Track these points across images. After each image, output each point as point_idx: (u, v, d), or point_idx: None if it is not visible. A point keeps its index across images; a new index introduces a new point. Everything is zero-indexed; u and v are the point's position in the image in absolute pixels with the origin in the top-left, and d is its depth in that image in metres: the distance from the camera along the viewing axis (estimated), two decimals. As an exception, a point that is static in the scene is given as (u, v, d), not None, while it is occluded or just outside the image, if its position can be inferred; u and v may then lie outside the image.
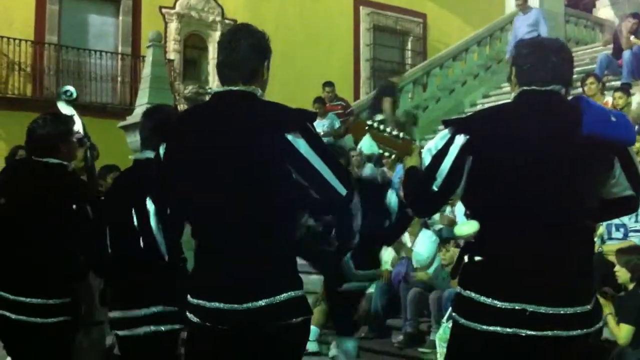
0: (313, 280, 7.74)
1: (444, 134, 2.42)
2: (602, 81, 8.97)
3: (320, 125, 10.42)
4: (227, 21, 15.19)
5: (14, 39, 13.68)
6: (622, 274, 4.97)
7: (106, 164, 5.89)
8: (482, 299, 2.29)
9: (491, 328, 2.27)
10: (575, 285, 2.32)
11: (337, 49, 17.03)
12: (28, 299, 3.24)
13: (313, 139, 2.34)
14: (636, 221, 5.62)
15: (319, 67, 15.30)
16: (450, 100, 13.05)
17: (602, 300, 5.02)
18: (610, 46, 11.06)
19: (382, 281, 6.85)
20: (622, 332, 4.74)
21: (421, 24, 18.95)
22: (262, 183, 2.31)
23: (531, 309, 2.25)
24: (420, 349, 6.12)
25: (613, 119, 2.37)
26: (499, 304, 2.27)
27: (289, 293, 2.30)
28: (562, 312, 2.27)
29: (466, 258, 2.40)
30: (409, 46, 19.07)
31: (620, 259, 5.02)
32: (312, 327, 6.78)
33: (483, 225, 2.35)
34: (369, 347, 6.61)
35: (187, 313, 2.38)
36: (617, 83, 9.74)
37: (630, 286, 4.92)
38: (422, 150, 2.62)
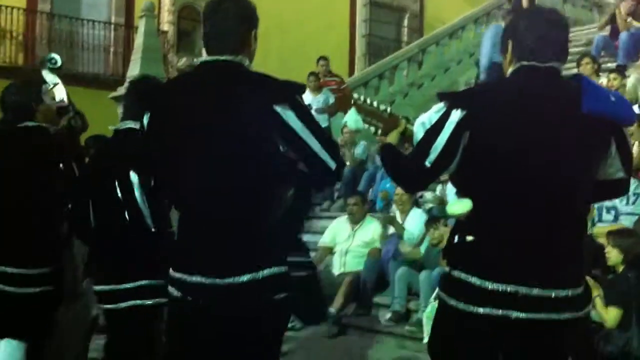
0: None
1: (439, 107, 2.33)
2: (597, 62, 8.89)
3: (315, 101, 10.34)
4: (222, -7, 15.00)
5: (6, 7, 13.54)
6: (613, 255, 4.94)
7: (94, 134, 5.81)
8: (473, 279, 2.24)
9: (481, 310, 2.22)
10: (568, 268, 2.28)
11: (334, 24, 16.91)
12: (10, 269, 3.20)
13: (302, 111, 2.29)
14: (627, 203, 5.59)
15: (315, 42, 15.19)
16: (446, 78, 12.95)
17: (590, 283, 5.00)
18: (608, 27, 10.97)
19: (371, 258, 6.83)
20: (609, 315, 4.72)
21: (418, 1, 18.81)
22: (248, 155, 2.26)
23: (523, 291, 2.20)
24: (408, 327, 6.10)
25: (613, 98, 2.31)
26: (489, 285, 2.21)
27: (272, 269, 2.26)
28: (553, 294, 2.22)
29: (457, 237, 2.34)
30: (406, 23, 18.94)
31: (612, 241, 4.99)
32: (300, 303, 6.83)
33: (476, 204, 2.28)
34: (356, 325, 6.61)
35: (169, 287, 2.33)
36: (614, 65, 9.67)
37: (620, 268, 4.90)
38: (408, 127, 2.56)
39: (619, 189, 2.51)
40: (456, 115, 2.26)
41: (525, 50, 2.33)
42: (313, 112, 10.18)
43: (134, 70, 8.71)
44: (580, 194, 2.32)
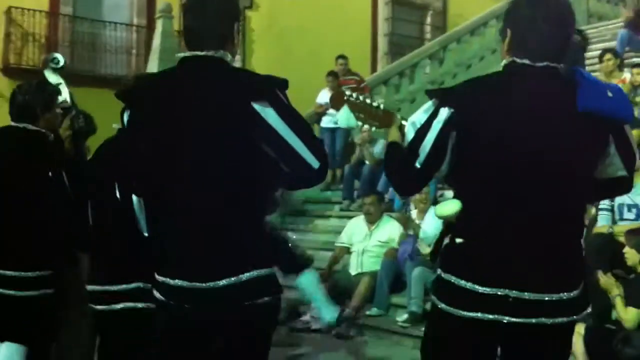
0: (322, 257, 7.71)
1: (427, 106, 2.25)
2: (620, 57, 8.72)
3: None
4: (242, -7, 15.03)
5: (29, 10, 13.64)
6: (631, 255, 4.83)
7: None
8: (463, 283, 2.15)
9: (472, 314, 2.14)
10: (562, 271, 2.19)
11: (355, 23, 16.80)
12: (8, 272, 3.19)
13: (283, 108, 2.20)
14: (649, 200, 5.44)
15: (336, 41, 15.07)
16: (467, 76, 12.72)
17: (610, 282, 4.91)
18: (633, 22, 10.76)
19: (388, 258, 6.75)
20: (629, 316, 4.61)
21: (441, -2, 18.66)
22: (228, 154, 2.18)
23: (514, 295, 2.12)
24: (424, 329, 6.02)
25: (610, 94, 2.18)
26: (480, 289, 2.13)
27: (253, 273, 2.19)
28: (546, 298, 2.13)
29: (447, 239, 2.25)
30: (429, 20, 18.78)
31: (630, 241, 4.87)
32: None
33: (466, 205, 2.20)
34: (373, 325, 6.55)
35: (154, 291, 2.29)
36: (639, 60, 9.48)
37: (639, 268, 4.78)
38: (403, 123, 2.48)
39: (621, 187, 2.39)
40: (443, 114, 2.18)
41: (521, 46, 2.22)
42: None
43: (151, 71, 8.74)
44: (576, 194, 2.22)
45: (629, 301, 4.65)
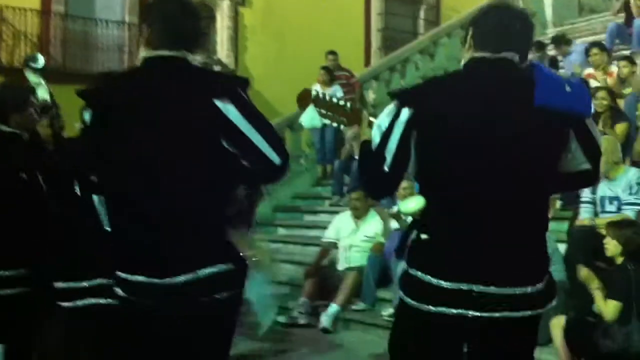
0: (311, 253, 7.73)
1: (390, 108, 2.27)
2: (607, 51, 8.71)
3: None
4: (234, -10, 15.03)
5: (20, 9, 13.63)
6: (611, 246, 4.82)
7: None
8: (428, 278, 2.18)
9: (437, 309, 2.17)
10: (526, 264, 2.21)
11: (349, 18, 16.78)
12: None
13: (244, 105, 2.24)
14: (630, 194, 5.45)
15: (330, 37, 15.06)
16: (459, 70, 12.79)
17: (590, 275, 4.92)
18: (623, 14, 10.77)
19: (374, 253, 6.76)
20: (608, 308, 4.61)
21: (434, -8, 18.63)
22: (189, 150, 2.22)
23: (479, 290, 2.14)
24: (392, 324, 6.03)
25: (568, 88, 2.20)
26: (444, 284, 2.16)
27: (213, 268, 2.22)
28: (510, 292, 2.16)
29: (413, 235, 2.28)
30: (422, 15, 18.75)
31: (612, 232, 4.88)
32: (302, 299, 6.80)
33: (429, 201, 2.23)
34: (359, 320, 6.57)
35: (114, 287, 2.31)
36: (628, 52, 9.48)
37: (620, 260, 4.79)
38: (371, 120, 2.49)
39: (585, 180, 2.42)
40: (404, 114, 2.21)
41: (479, 39, 2.26)
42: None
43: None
44: (538, 188, 2.24)
45: (608, 294, 4.66)
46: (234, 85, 2.28)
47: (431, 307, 2.17)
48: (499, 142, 2.16)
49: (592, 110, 2.30)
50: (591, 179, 2.40)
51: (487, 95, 2.19)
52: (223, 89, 2.24)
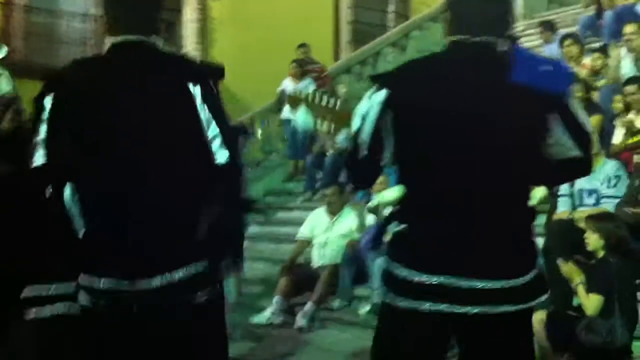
0: (284, 250, 7.59)
1: (369, 92, 2.19)
2: (581, 42, 8.69)
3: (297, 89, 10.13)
4: (202, -18, 14.78)
5: (-20, 1, 13.27)
6: (593, 240, 4.77)
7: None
8: (399, 271, 2.09)
9: (407, 304, 2.08)
10: (505, 257, 2.09)
11: (318, 11, 16.62)
12: None
13: (209, 94, 2.15)
14: (608, 186, 5.40)
15: (299, 30, 14.91)
16: (430, 63, 12.74)
17: (572, 269, 4.86)
18: (593, 6, 10.78)
19: (350, 249, 6.64)
20: (591, 302, 4.56)
21: (404, -15, 18.56)
22: (162, 141, 2.11)
23: (451, 283, 2.03)
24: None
25: (546, 67, 2.13)
26: (415, 277, 2.06)
27: (187, 269, 2.10)
28: (498, 285, 2.05)
29: (393, 227, 2.18)
30: (392, 8, 18.67)
31: (592, 225, 4.81)
32: (277, 297, 6.66)
33: (407, 190, 2.15)
34: (335, 318, 6.45)
35: (80, 291, 2.16)
36: (598, 44, 9.47)
37: (601, 254, 4.73)
38: None
39: (578, 169, 2.30)
40: (380, 96, 2.13)
41: (457, 24, 2.19)
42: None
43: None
44: (518, 174, 2.13)
45: (591, 287, 4.60)
46: (207, 73, 2.20)
47: (402, 303, 2.08)
48: (477, 126, 2.07)
49: None
50: (584, 167, 2.29)
51: (464, 79, 2.11)
52: (196, 74, 2.17)
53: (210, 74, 2.20)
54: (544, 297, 2.19)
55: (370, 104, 2.15)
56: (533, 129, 2.12)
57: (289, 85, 10.45)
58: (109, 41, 2.23)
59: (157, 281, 2.06)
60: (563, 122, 2.13)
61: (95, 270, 2.12)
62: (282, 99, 10.43)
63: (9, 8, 13.63)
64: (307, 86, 10.46)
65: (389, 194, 2.28)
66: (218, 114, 2.15)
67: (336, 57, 16.64)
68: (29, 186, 2.91)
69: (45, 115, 2.19)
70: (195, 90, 2.12)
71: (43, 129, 2.19)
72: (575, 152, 2.17)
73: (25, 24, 13.72)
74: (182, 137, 2.13)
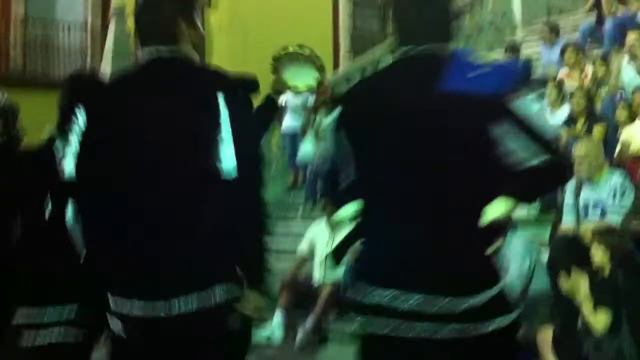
0: (284, 263, 7.47)
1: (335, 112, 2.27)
2: (582, 50, 8.64)
3: (296, 99, 10.03)
4: (199, -9, 14.72)
5: (-23, 12, 13.22)
6: (598, 255, 4.68)
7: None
8: (349, 292, 2.11)
9: (361, 322, 2.10)
10: (454, 276, 1.99)
11: (316, 19, 16.59)
12: None
13: (236, 106, 2.08)
14: (614, 198, 5.31)
15: (297, 38, 14.82)
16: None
17: (575, 285, 4.75)
18: (594, 13, 10.72)
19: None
20: (598, 319, 4.45)
21: (402, -8, 18.53)
22: (196, 156, 2.06)
23: (399, 304, 1.98)
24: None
25: (484, 70, 2.02)
26: (359, 298, 2.05)
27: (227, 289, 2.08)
28: (449, 306, 1.98)
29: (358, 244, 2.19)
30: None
31: (598, 240, 4.73)
32: (279, 311, 6.55)
33: (363, 206, 2.14)
34: (338, 331, 6.34)
35: (109, 318, 2.09)
36: (599, 52, 9.41)
37: (607, 268, 4.64)
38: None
39: (550, 176, 2.07)
40: (335, 113, 2.20)
41: (402, 31, 2.18)
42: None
43: (106, 72, 8.46)
44: (469, 188, 2.01)
45: (597, 303, 4.51)
46: (239, 85, 2.17)
47: (360, 319, 2.08)
48: (419, 141, 2.03)
49: (566, 115, 2.15)
50: (557, 172, 2.10)
51: (405, 92, 2.08)
52: (228, 85, 2.12)
53: (242, 87, 2.17)
54: (499, 323, 2.02)
55: (329, 122, 2.17)
56: (477, 139, 2.00)
57: (287, 94, 10.35)
58: (141, 53, 2.19)
59: (192, 303, 2.01)
60: (513, 125, 1.98)
61: (126, 293, 2.04)
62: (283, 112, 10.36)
63: (6, 19, 13.58)
64: (307, 96, 10.38)
65: (344, 211, 2.23)
66: (244, 130, 2.08)
67: (336, 65, 16.60)
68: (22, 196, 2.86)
69: (79, 127, 2.15)
70: (224, 104, 2.06)
71: (74, 140, 2.15)
72: (541, 157, 1.98)
73: (22, 34, 13.67)
74: (209, 153, 2.06)
